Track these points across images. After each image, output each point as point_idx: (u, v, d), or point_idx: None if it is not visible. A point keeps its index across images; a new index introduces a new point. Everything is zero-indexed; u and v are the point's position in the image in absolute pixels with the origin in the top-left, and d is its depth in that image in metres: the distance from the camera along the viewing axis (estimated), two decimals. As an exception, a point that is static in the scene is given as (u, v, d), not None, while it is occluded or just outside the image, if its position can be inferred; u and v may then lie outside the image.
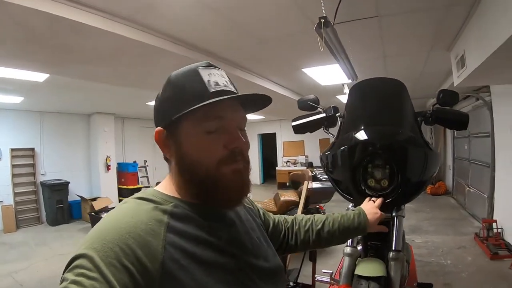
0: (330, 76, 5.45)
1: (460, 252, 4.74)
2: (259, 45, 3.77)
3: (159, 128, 0.79)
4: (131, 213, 0.69)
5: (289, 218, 1.20)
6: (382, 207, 1.40)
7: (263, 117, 11.65)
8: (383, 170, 1.44)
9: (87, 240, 0.63)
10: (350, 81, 5.16)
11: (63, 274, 0.59)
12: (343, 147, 1.49)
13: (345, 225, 1.17)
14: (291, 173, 5.90)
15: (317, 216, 1.20)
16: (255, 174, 13.76)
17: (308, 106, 1.89)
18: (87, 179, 8.83)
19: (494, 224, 4.98)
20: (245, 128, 0.82)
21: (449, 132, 9.28)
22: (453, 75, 4.33)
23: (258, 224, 0.99)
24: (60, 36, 2.68)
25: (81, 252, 0.60)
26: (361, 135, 1.48)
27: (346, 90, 6.12)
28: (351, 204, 1.63)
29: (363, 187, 1.46)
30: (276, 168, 13.45)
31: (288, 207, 5.01)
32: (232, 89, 0.79)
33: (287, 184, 11.57)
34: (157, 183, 0.89)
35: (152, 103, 5.99)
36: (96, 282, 0.54)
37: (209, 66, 0.80)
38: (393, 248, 1.40)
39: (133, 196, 0.77)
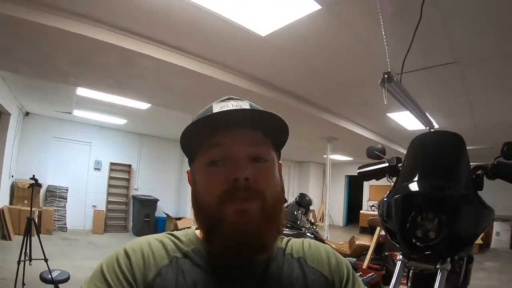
0: (416, 121, 5.33)
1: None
2: (340, 89, 3.97)
3: (188, 170, 0.73)
4: (149, 240, 0.68)
5: None
6: (428, 257, 1.41)
7: (352, 158, 11.54)
8: (432, 222, 1.46)
9: None
10: (436, 126, 5.05)
11: None
12: (396, 196, 1.55)
13: None
14: (370, 218, 5.87)
15: None
16: (338, 215, 13.63)
17: (374, 155, 2.00)
18: (176, 199, 9.58)
19: None
20: (266, 157, 0.65)
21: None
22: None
23: None
24: (162, 75, 3.20)
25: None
26: (414, 186, 1.53)
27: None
28: (399, 254, 1.65)
29: (410, 237, 1.50)
30: (360, 211, 12.85)
31: (362, 252, 4.99)
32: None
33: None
34: None
35: None
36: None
37: (228, 99, 0.71)
38: (438, 299, 1.40)
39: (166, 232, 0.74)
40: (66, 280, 3.15)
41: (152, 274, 0.61)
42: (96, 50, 2.79)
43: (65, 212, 7.34)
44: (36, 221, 6.33)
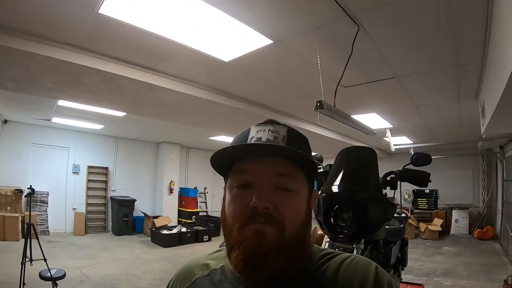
0: (371, 122, 5.92)
1: (484, 298, 4.78)
2: (298, 99, 4.51)
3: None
4: (196, 257, 0.83)
5: None
6: (346, 240, 1.95)
7: (315, 153, 12.07)
8: (348, 214, 2.00)
9: None
10: (391, 126, 5.74)
11: None
12: (322, 195, 2.09)
13: None
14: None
15: None
16: None
17: None
18: (152, 199, 9.92)
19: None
20: (291, 188, 0.67)
21: (500, 173, 9.04)
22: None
23: None
24: (139, 91, 3.62)
25: None
26: (335, 188, 2.07)
27: (388, 134, 6.58)
28: (327, 238, 2.19)
29: (333, 224, 2.03)
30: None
31: (322, 240, 5.65)
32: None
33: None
34: None
35: (214, 138, 7.31)
36: None
37: (266, 123, 0.75)
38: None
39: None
40: (63, 277, 3.53)
41: None
42: (81, 73, 3.14)
43: (47, 216, 7.57)
44: (20, 226, 6.61)
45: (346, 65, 2.58)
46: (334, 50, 2.79)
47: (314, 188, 0.77)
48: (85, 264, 5.65)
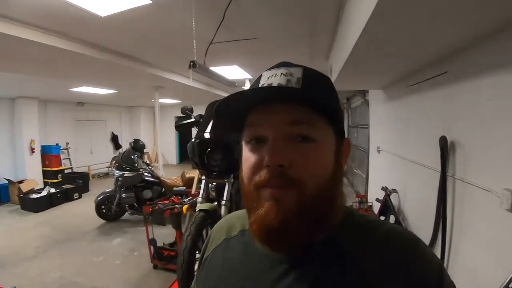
0: (233, 73, 6.61)
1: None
2: (172, 53, 4.76)
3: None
4: (226, 217, 0.86)
5: None
6: (218, 176, 2.50)
7: (180, 101, 12.23)
8: (218, 156, 2.54)
9: None
10: (250, 77, 6.76)
11: None
12: (196, 141, 2.60)
13: None
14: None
15: None
16: (172, 155, 15.00)
17: (185, 113, 3.01)
18: (12, 162, 8.83)
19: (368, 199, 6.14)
20: (311, 136, 0.57)
21: (346, 120, 10.88)
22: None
23: None
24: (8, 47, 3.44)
25: None
26: (206, 135, 2.63)
27: (247, 84, 7.39)
28: (203, 176, 2.73)
29: (206, 164, 2.56)
30: (191, 149, 14.21)
31: (191, 182, 6.29)
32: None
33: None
34: None
35: (76, 89, 6.92)
36: None
37: (279, 66, 0.65)
38: (224, 198, 2.52)
39: None
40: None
41: (206, 255, 0.77)
42: None
43: None
44: None
45: (218, 28, 2.96)
46: (208, 15, 3.10)
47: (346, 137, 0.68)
48: (-41, 247, 5.07)
